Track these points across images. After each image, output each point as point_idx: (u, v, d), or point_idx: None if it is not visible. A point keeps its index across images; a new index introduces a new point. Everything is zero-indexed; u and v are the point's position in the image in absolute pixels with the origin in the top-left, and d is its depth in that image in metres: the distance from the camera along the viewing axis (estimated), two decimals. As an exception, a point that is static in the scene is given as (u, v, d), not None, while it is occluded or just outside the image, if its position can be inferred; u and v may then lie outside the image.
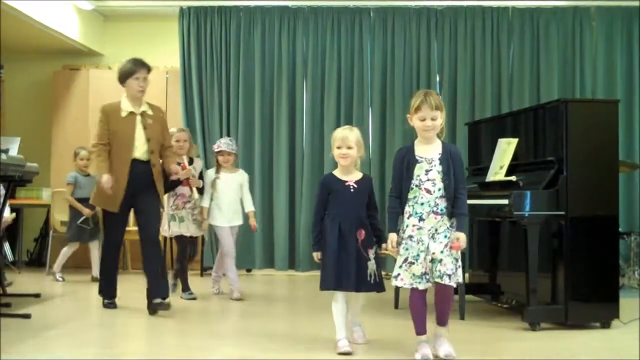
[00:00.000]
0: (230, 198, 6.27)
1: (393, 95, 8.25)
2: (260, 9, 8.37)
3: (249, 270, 8.28)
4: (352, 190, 4.19)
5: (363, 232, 4.15)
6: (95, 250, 7.43)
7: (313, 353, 4.13)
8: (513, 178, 5.17)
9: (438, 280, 3.86)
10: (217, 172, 6.32)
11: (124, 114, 5.40)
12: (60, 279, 7.34)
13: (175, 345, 4.46)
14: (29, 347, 4.22)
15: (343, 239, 4.12)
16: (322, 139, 8.26)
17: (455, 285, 3.94)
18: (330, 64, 8.34)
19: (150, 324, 5.09)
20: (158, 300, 5.24)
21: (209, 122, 8.26)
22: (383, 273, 4.28)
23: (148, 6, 8.52)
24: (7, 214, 6.93)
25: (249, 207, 6.39)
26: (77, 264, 8.05)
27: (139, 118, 5.41)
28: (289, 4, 8.37)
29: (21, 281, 7.03)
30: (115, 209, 5.32)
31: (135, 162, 5.32)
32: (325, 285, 4.13)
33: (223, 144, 6.33)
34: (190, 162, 6.32)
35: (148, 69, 5.53)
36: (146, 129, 5.38)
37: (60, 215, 7.82)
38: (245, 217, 6.39)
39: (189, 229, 6.24)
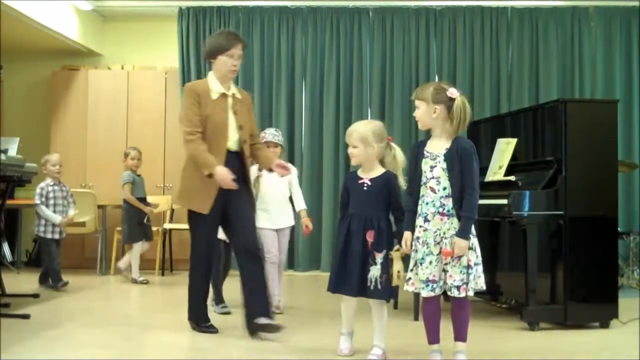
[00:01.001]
0: (276, 197, 5.53)
1: (392, 95, 8.26)
2: (259, 9, 8.38)
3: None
4: (364, 188, 3.94)
5: (372, 233, 3.87)
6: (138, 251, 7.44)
7: (313, 354, 4.13)
8: (512, 178, 5.17)
9: (449, 293, 3.70)
10: (261, 168, 5.38)
11: (214, 95, 4.56)
12: (145, 281, 7.28)
13: (173, 346, 4.45)
14: (28, 347, 4.22)
15: (350, 239, 3.92)
16: (321, 139, 8.27)
17: (466, 295, 3.68)
18: (330, 63, 8.35)
19: (148, 324, 5.08)
20: (264, 321, 4.45)
21: (208, 122, 8.25)
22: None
23: (147, 6, 8.52)
24: (72, 212, 6.92)
25: (300, 205, 5.67)
26: (77, 264, 8.06)
27: (230, 101, 4.61)
28: (288, 4, 8.37)
29: (20, 281, 7.02)
30: (206, 211, 4.50)
31: (228, 153, 4.55)
32: (329, 286, 3.97)
33: (268, 134, 5.59)
34: None
35: (243, 45, 4.66)
36: (237, 115, 4.59)
37: (59, 216, 7.82)
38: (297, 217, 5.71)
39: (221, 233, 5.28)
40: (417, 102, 3.80)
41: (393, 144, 4.01)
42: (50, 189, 6.74)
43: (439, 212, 3.70)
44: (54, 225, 6.70)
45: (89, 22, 8.56)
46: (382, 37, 8.34)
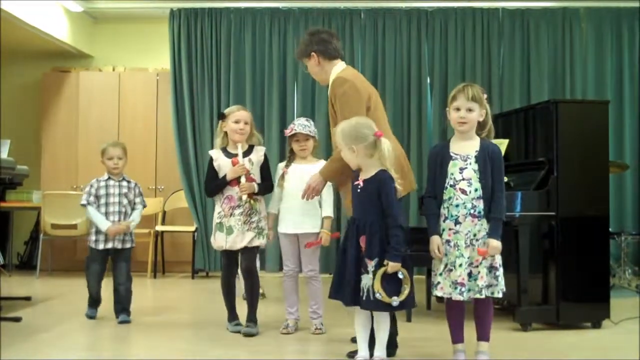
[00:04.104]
0: (300, 196, 4.50)
1: (384, 97, 8.22)
2: (250, 10, 8.37)
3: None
4: (358, 190, 3.76)
5: (364, 239, 3.69)
6: None
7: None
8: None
9: (478, 295, 3.67)
10: (288, 165, 4.89)
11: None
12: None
13: (166, 348, 4.43)
14: (20, 350, 4.21)
15: (348, 244, 3.77)
16: (313, 141, 8.25)
17: (498, 295, 3.71)
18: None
19: (139, 327, 5.06)
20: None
21: (200, 124, 8.22)
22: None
23: (138, 8, 8.49)
24: (135, 217, 5.37)
25: (325, 211, 4.80)
26: (68, 266, 8.04)
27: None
28: (280, 5, 8.36)
29: (11, 284, 6.99)
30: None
31: None
32: (329, 292, 3.83)
33: (298, 125, 4.87)
34: (248, 151, 4.84)
35: None
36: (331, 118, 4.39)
37: (51, 218, 7.78)
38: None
39: (238, 241, 4.74)
40: (471, 104, 3.70)
41: (383, 139, 3.73)
42: (102, 184, 5.26)
43: (470, 214, 3.67)
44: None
45: (80, 24, 8.53)
46: (374, 39, 8.34)
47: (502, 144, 5.43)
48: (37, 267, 7.91)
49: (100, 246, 5.21)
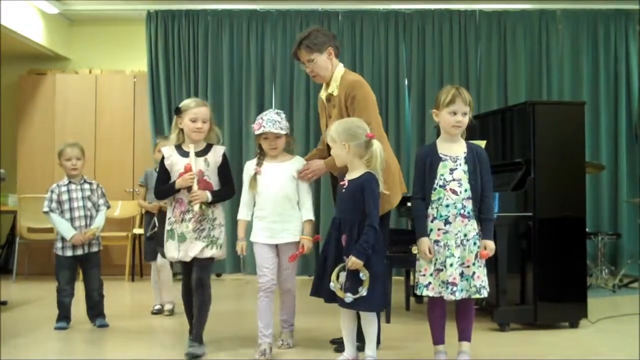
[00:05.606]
0: (276, 199, 4.27)
1: (362, 98, 8.24)
2: (228, 12, 8.35)
3: (218, 275, 8.23)
4: (343, 190, 3.80)
5: (345, 237, 3.73)
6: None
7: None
8: (482, 180, 5.20)
9: (476, 296, 3.70)
10: (259, 163, 4.37)
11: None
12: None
13: (143, 352, 4.40)
14: (-5, 355, 4.17)
15: (329, 242, 3.82)
16: (291, 143, 8.24)
17: (484, 295, 3.74)
18: (299, 67, 8.25)
19: (117, 331, 5.03)
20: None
21: (178, 126, 8.18)
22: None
23: (115, 10, 8.44)
24: (98, 222, 5.17)
25: (306, 215, 4.30)
26: (44, 270, 7.96)
27: (325, 104, 4.56)
28: (257, 7, 8.35)
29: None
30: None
31: None
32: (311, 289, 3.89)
33: (267, 121, 4.24)
34: (205, 150, 4.31)
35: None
36: (331, 118, 4.38)
37: (27, 222, 7.71)
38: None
39: (189, 250, 4.20)
40: (466, 109, 3.79)
41: (374, 141, 3.75)
42: (63, 189, 5.13)
43: (460, 214, 3.71)
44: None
45: (56, 26, 8.46)
46: (352, 41, 8.35)
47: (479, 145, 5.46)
48: (14, 271, 7.85)
49: (68, 253, 5.06)
